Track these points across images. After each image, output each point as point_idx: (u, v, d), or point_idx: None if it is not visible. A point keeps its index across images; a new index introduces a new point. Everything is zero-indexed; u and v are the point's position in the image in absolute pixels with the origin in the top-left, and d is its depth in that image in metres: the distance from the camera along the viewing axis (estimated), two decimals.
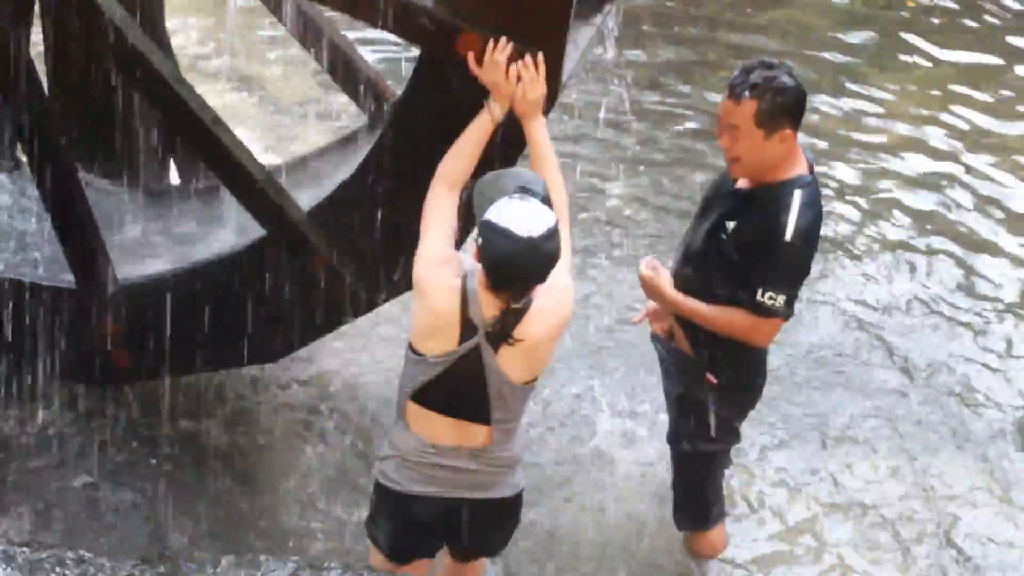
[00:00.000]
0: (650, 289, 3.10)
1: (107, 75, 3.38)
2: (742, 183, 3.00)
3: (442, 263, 2.57)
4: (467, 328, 2.52)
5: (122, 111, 3.53)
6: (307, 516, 3.55)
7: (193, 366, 3.53)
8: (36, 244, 3.54)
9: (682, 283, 3.05)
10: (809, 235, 2.89)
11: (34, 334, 3.33)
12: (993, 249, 5.33)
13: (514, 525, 2.90)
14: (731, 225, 2.96)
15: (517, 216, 2.40)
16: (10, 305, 3.31)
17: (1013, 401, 4.39)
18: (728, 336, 2.98)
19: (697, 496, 3.41)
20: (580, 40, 2.91)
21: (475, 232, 2.50)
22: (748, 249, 2.91)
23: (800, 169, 2.93)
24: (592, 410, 4.08)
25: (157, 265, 3.40)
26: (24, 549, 2.55)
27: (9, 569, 2.48)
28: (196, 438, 3.69)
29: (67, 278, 3.33)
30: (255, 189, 3.03)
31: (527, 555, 3.49)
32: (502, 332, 2.51)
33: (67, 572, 2.50)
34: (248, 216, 3.14)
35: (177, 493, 3.51)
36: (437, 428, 2.65)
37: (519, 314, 2.50)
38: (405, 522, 2.75)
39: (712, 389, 3.13)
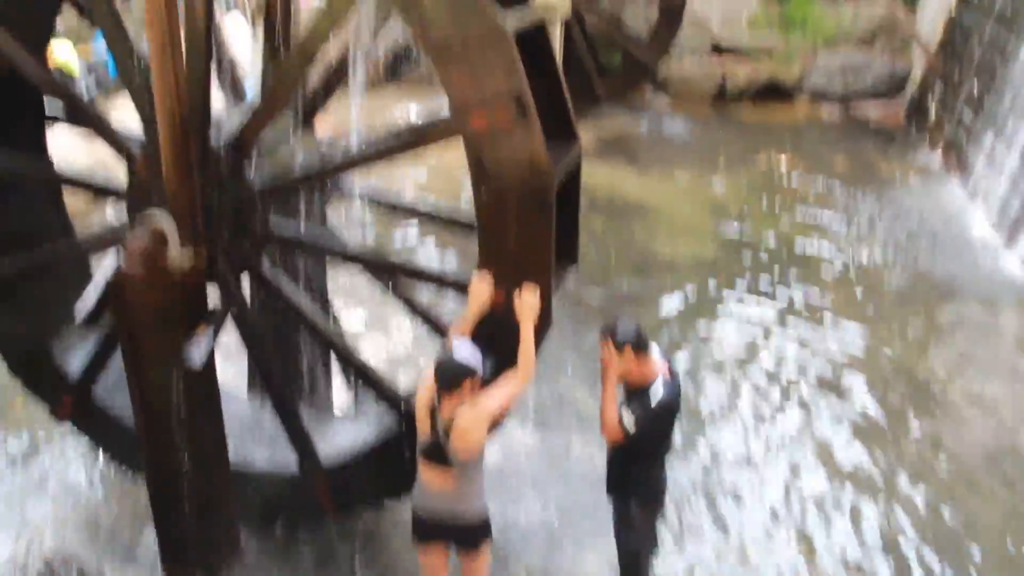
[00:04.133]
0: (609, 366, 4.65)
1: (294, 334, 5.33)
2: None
3: (423, 390, 4.29)
4: (434, 425, 4.23)
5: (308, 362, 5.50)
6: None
7: (365, 503, 5.35)
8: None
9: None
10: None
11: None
12: None
13: (480, 534, 4.47)
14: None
15: (454, 348, 4.15)
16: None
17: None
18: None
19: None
20: (557, 285, 4.42)
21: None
22: None
23: (658, 375, 4.64)
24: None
25: (333, 450, 5.17)
26: None
27: None
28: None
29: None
30: (389, 393, 4.81)
31: None
32: (448, 428, 4.16)
33: None
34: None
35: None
36: (427, 474, 4.34)
37: (451, 424, 4.14)
38: (419, 525, 4.50)
39: (637, 509, 4.88)
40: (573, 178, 4.52)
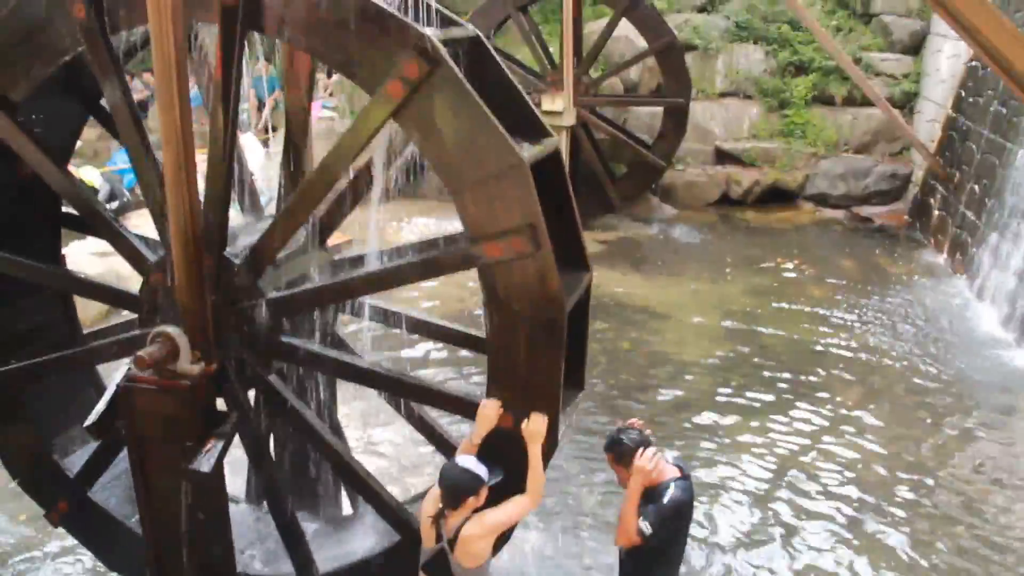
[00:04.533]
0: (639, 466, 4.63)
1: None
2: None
3: (427, 503, 4.32)
4: (439, 536, 4.23)
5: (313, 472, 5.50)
6: None
7: None
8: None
9: None
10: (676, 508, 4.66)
11: None
12: None
13: None
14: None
15: (459, 460, 4.19)
16: None
17: None
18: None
19: None
20: (565, 415, 4.44)
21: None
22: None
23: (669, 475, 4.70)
24: None
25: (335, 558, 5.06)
26: None
27: None
28: None
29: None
30: (390, 508, 4.75)
31: None
32: (452, 540, 4.16)
33: None
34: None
35: None
36: None
37: (459, 530, 4.15)
38: None
39: None
40: (582, 306, 4.58)
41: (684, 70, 14.84)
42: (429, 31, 3.92)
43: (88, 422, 4.53)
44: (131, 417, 4.39)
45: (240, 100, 4.29)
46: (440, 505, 4.24)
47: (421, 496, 5.15)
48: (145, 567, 4.89)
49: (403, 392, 4.92)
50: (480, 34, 4.58)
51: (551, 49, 15.15)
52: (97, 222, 4.87)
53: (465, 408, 4.47)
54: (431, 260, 4.37)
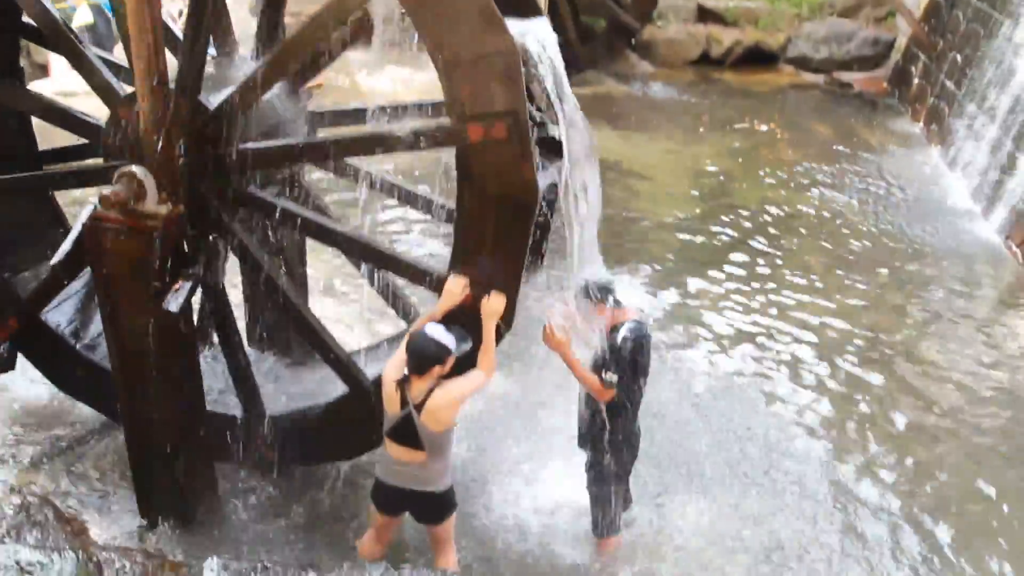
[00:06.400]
0: (555, 344, 4.75)
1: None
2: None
3: (391, 368, 4.41)
4: (404, 402, 4.34)
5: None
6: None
7: (306, 461, 5.43)
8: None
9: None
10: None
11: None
12: None
13: (445, 508, 4.67)
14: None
15: (428, 329, 4.27)
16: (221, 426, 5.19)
17: None
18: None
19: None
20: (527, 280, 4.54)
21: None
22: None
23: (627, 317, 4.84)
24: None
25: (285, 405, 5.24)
26: (233, 563, 4.38)
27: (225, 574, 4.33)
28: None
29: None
30: (343, 365, 4.86)
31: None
32: (419, 406, 4.31)
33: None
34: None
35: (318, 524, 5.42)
36: (396, 451, 4.48)
37: (426, 397, 4.29)
38: (382, 495, 4.69)
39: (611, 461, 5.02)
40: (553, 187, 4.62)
41: None
42: None
43: (55, 260, 4.53)
44: (98, 256, 4.39)
45: None
46: (405, 371, 4.34)
47: (375, 348, 5.27)
48: (97, 393, 5.21)
49: (364, 255, 4.94)
50: None
51: None
52: (63, 44, 4.72)
53: (424, 278, 4.52)
54: (414, 133, 4.30)
